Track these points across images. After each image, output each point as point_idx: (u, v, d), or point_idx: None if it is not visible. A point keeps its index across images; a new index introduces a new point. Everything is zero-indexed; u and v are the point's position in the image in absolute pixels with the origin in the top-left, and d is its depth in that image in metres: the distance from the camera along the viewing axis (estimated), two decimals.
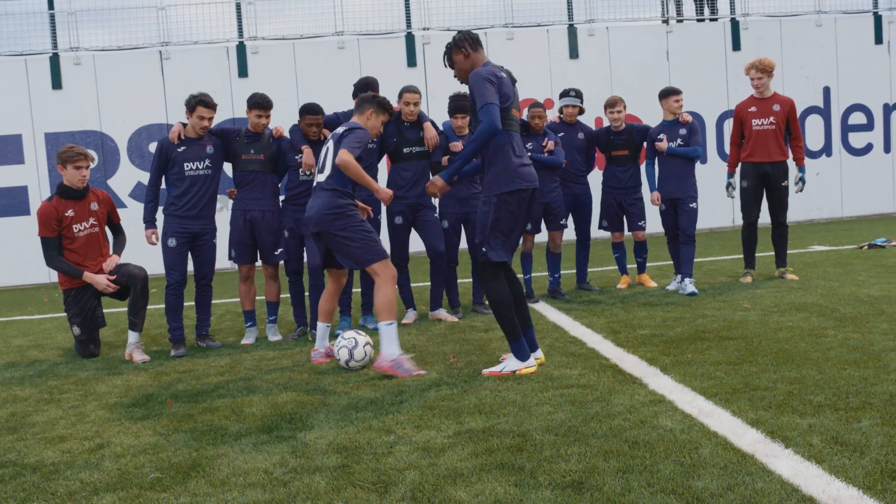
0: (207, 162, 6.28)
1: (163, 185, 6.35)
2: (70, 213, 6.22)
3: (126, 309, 6.31)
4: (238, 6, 14.23)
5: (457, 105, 6.77)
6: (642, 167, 7.88)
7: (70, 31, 13.99)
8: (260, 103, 6.36)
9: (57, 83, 13.73)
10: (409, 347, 5.74)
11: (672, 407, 3.86)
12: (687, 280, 7.34)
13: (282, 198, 6.64)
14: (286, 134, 6.59)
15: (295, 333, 6.60)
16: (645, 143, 7.82)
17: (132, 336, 6.17)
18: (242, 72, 13.75)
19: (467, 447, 3.48)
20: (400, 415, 4.04)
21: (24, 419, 4.52)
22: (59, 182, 6.29)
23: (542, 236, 7.72)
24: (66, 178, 6.23)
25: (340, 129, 5.31)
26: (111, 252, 6.44)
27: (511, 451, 3.39)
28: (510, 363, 4.79)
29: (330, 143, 5.30)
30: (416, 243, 6.99)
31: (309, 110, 6.42)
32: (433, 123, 6.80)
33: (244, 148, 6.40)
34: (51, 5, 14.19)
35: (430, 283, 6.93)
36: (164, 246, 6.28)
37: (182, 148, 6.24)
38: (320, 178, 5.31)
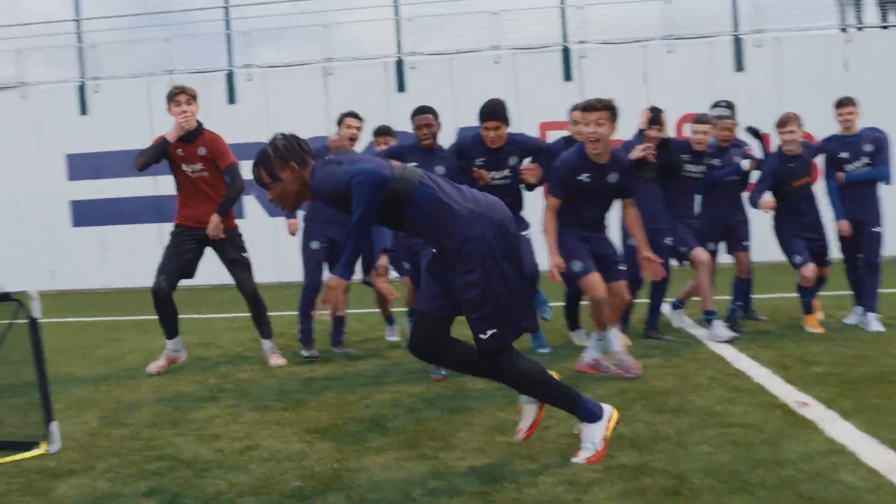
0: None
1: None
2: None
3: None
4: (398, 23, 14.63)
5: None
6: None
7: (244, 50, 14.96)
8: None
9: (231, 98, 14.68)
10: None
11: (854, 459, 3.41)
12: (871, 315, 6.56)
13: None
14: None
15: None
16: (823, 159, 7.01)
17: (266, 343, 6.31)
18: (401, 87, 14.08)
19: (617, 484, 3.23)
20: (546, 443, 3.84)
21: (185, 415, 4.74)
22: None
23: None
24: None
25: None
26: None
27: (665, 493, 3.11)
28: (594, 431, 3.60)
29: None
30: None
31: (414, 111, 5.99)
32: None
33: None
34: (228, 26, 15.24)
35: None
36: (304, 248, 6.44)
37: None
38: None
